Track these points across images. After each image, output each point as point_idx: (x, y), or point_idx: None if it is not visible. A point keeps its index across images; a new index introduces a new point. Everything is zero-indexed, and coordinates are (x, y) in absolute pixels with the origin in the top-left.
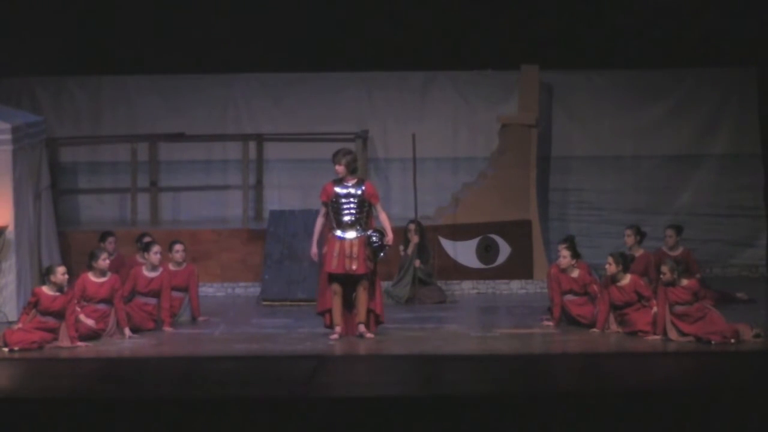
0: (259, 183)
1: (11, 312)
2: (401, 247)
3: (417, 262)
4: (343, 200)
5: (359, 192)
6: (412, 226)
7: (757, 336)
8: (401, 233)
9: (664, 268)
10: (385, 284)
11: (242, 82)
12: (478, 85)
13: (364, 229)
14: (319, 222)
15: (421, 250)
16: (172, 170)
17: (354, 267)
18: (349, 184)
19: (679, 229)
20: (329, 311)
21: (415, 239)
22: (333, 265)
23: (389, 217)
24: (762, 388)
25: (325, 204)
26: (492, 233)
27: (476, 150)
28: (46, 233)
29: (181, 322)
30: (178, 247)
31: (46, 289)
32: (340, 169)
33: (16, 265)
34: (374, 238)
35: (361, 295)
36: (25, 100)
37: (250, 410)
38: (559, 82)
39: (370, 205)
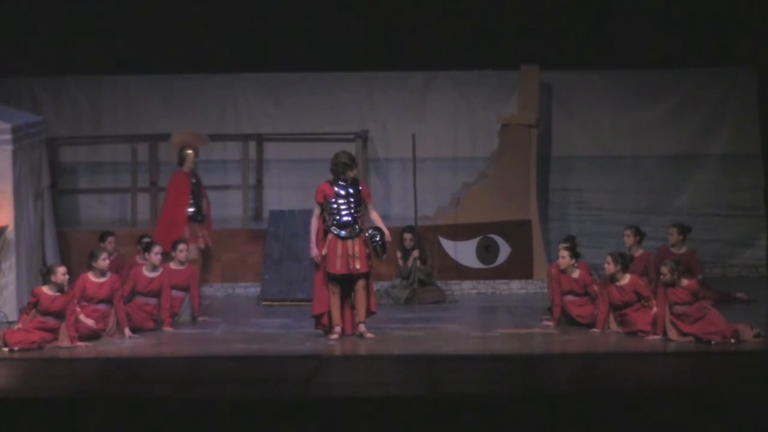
0: (259, 183)
1: (11, 312)
2: (398, 256)
3: (418, 263)
4: (342, 200)
5: (357, 192)
6: (407, 236)
7: (757, 336)
8: (396, 240)
9: (664, 269)
10: (384, 284)
11: (242, 82)
12: (478, 85)
13: (361, 228)
14: (315, 223)
15: (420, 251)
16: (172, 170)
17: (357, 266)
18: (346, 185)
19: (683, 229)
20: (326, 314)
21: (415, 254)
22: (337, 266)
23: (388, 217)
24: (762, 388)
25: (320, 205)
26: (492, 233)
27: (476, 150)
28: (47, 233)
29: (181, 322)
30: (182, 246)
31: (46, 289)
32: (354, 174)
33: (16, 265)
34: (377, 238)
35: (360, 294)
36: (25, 100)
37: (250, 410)
38: (559, 82)
39: (364, 205)
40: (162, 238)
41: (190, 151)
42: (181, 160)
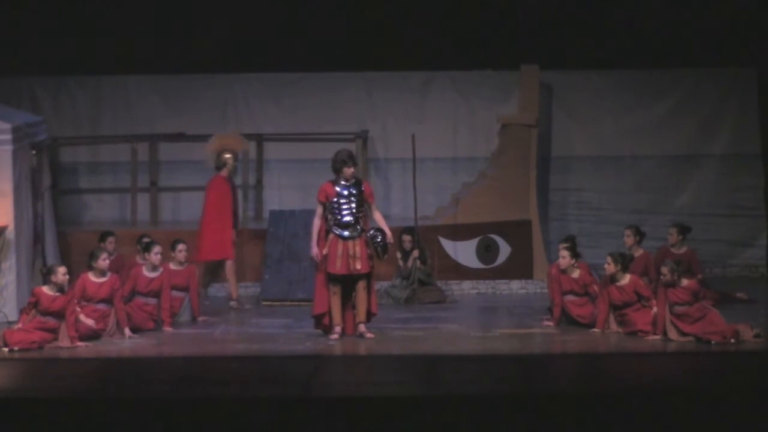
0: (259, 183)
1: (11, 312)
2: (398, 256)
3: (418, 262)
4: (344, 200)
5: (359, 192)
6: (406, 237)
7: (757, 336)
8: (396, 240)
9: (664, 269)
10: (384, 284)
11: (242, 82)
12: (478, 85)
13: (363, 229)
14: (317, 223)
15: (420, 251)
16: (172, 170)
17: (358, 266)
18: (349, 184)
19: (682, 229)
20: (326, 314)
21: (415, 254)
22: (337, 266)
23: (388, 217)
24: (762, 388)
25: (322, 204)
26: (492, 233)
27: (476, 150)
28: (47, 233)
29: (181, 322)
30: (181, 246)
31: (46, 289)
32: (353, 172)
33: (16, 265)
34: (378, 238)
35: (361, 295)
36: (25, 100)
37: (250, 410)
38: (559, 82)
39: (367, 205)
40: (207, 245)
41: (229, 155)
42: (220, 165)
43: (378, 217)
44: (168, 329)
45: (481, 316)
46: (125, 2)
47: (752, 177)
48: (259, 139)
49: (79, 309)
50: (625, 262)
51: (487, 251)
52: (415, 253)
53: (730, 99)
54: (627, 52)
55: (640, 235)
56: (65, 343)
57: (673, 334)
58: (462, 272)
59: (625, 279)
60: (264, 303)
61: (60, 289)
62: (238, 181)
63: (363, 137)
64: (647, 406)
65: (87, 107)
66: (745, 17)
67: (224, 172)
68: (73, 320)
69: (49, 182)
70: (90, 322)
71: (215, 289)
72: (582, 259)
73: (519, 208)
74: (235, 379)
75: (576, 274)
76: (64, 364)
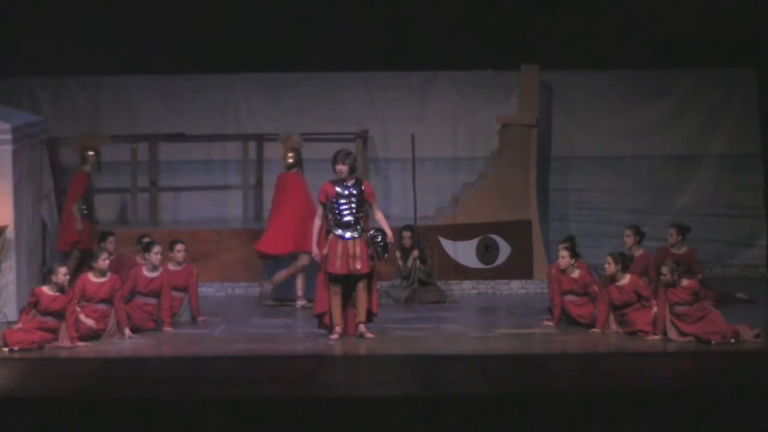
0: (259, 183)
1: (11, 312)
2: (398, 256)
3: (418, 262)
4: (344, 200)
5: (359, 192)
6: (406, 234)
7: (757, 336)
8: (396, 239)
9: (665, 269)
10: (384, 284)
11: (242, 82)
12: (478, 85)
13: (363, 229)
14: (317, 223)
15: (420, 251)
16: (172, 170)
17: (358, 267)
18: (349, 184)
19: (682, 229)
20: (328, 313)
21: (414, 254)
22: (337, 266)
23: (388, 217)
24: (762, 388)
25: (323, 204)
26: (492, 233)
27: (476, 150)
28: (48, 233)
29: (181, 322)
30: (179, 246)
31: (46, 289)
32: (343, 169)
33: (15, 265)
34: (379, 239)
35: (361, 295)
36: (25, 100)
37: (250, 410)
38: (559, 82)
39: (368, 205)
40: (296, 238)
41: (291, 155)
42: (289, 165)
43: (379, 218)
44: (168, 329)
45: (481, 316)
46: (125, 2)
47: (752, 177)
48: (259, 139)
49: (79, 309)
50: (625, 262)
51: (487, 251)
52: (415, 253)
53: (730, 99)
54: (627, 52)
55: (640, 235)
56: (65, 343)
57: (673, 334)
58: (462, 272)
59: (625, 279)
60: (264, 303)
61: (60, 289)
62: (237, 180)
63: (363, 137)
64: (647, 406)
65: (87, 107)
66: (745, 17)
67: (296, 169)
68: (73, 320)
69: (51, 185)
70: (90, 322)
71: (214, 289)
72: (582, 259)
73: (519, 208)
74: (235, 379)
75: (576, 274)
76: (64, 364)
